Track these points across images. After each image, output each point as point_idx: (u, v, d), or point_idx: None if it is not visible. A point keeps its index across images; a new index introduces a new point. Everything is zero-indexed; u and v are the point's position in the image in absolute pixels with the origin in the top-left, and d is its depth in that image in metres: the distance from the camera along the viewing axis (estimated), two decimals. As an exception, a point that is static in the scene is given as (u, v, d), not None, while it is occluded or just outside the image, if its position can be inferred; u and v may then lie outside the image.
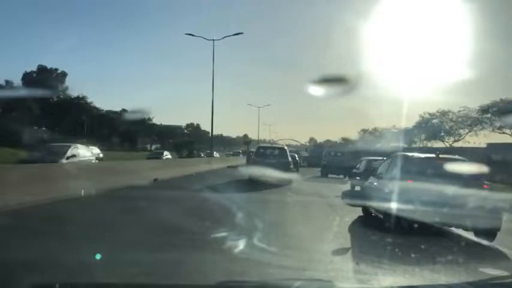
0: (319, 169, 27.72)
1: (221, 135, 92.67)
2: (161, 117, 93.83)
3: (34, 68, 55.31)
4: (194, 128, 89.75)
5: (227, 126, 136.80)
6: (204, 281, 3.47)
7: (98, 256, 4.02)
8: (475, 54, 30.20)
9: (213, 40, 34.07)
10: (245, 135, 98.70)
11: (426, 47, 35.01)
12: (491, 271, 4.96)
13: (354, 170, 17.22)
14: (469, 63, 31.06)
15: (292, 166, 22.10)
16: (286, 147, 23.96)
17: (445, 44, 33.45)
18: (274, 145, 30.49)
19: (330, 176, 25.48)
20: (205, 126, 78.07)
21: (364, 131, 58.85)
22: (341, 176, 24.54)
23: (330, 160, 27.17)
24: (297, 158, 36.21)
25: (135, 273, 3.75)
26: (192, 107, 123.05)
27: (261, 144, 31.04)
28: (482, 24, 30.88)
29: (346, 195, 9.62)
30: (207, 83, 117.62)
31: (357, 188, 14.12)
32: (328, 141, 79.31)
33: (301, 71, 76.57)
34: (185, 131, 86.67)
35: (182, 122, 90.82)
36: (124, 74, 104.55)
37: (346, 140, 62.30)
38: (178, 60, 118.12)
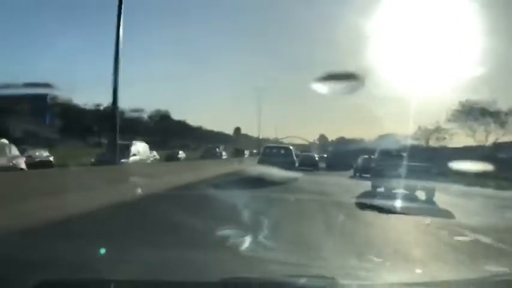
0: (348, 173, 22.17)
1: (203, 128, 79.35)
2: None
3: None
4: (162, 117, 72.22)
5: (222, 121, 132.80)
6: (208, 277, 3.49)
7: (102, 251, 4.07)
8: (485, 52, 29.78)
9: None
10: (237, 128, 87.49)
11: (442, 44, 34.42)
12: (494, 268, 4.97)
13: None
14: (480, 61, 30.64)
15: (297, 165, 22.01)
16: (292, 148, 23.98)
17: (458, 41, 32.91)
18: (280, 145, 30.09)
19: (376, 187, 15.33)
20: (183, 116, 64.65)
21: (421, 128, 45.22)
22: (407, 192, 14.16)
23: (387, 165, 16.09)
24: (316, 158, 35.52)
25: (140, 270, 3.78)
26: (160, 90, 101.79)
27: (268, 144, 31.43)
28: (495, 20, 30.73)
29: None
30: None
31: None
32: (341, 138, 71.95)
33: (306, 69, 75.69)
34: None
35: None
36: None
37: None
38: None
